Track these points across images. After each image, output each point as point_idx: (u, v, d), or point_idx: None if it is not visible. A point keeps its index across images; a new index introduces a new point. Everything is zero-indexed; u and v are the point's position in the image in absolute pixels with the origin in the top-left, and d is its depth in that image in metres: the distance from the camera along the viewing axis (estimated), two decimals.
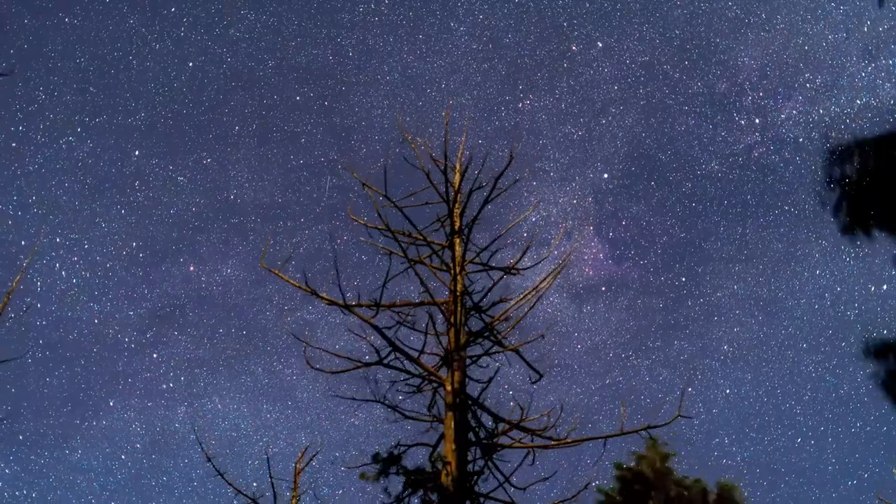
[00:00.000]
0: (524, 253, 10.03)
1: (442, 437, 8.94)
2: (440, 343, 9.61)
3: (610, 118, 26.92)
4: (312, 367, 8.96)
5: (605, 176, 27.54)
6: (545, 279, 9.83)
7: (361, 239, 10.21)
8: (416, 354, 9.36)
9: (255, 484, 8.71)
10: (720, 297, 26.45)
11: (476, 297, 9.95)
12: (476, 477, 8.97)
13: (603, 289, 27.32)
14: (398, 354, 9.18)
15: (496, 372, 9.43)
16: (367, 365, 9.09)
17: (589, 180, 27.52)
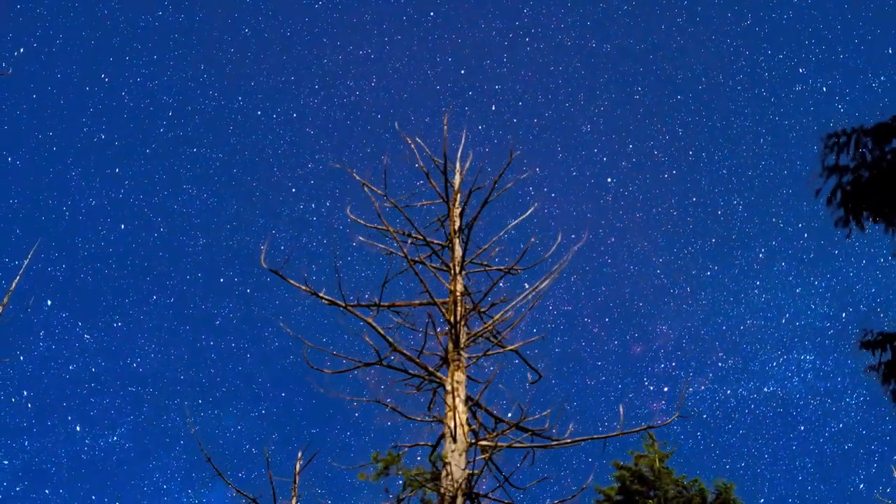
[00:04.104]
0: (524, 253, 10.06)
1: (442, 437, 8.95)
2: (440, 343, 9.62)
3: None
4: (312, 367, 8.97)
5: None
6: (545, 279, 9.84)
7: (361, 238, 10.23)
8: (415, 354, 9.36)
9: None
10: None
11: (476, 297, 9.97)
12: (476, 477, 8.97)
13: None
14: (398, 354, 9.19)
15: (496, 372, 9.44)
16: (367, 365, 9.09)
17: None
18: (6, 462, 23.98)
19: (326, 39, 28.18)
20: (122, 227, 25.94)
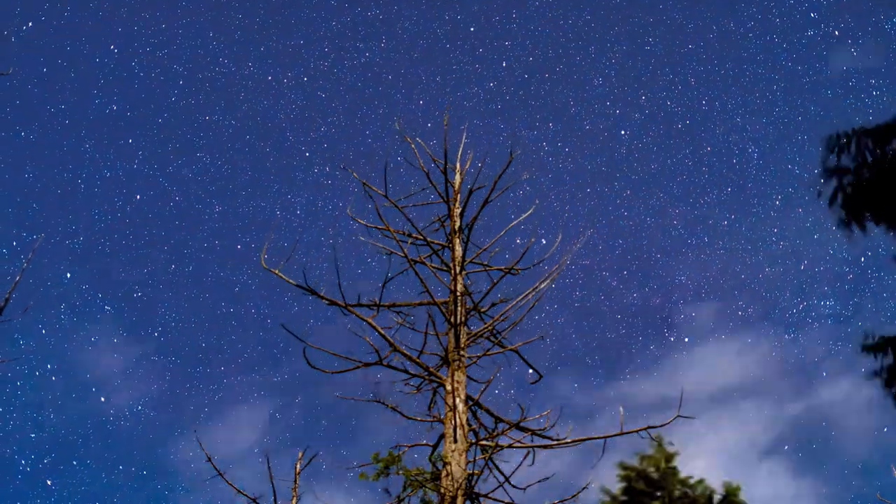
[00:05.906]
0: (524, 253, 10.03)
1: (442, 436, 8.95)
2: (440, 343, 9.62)
3: None
4: (312, 367, 8.99)
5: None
6: (545, 279, 9.81)
7: (361, 238, 10.25)
8: (416, 354, 9.37)
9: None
10: None
11: (476, 297, 9.96)
12: (476, 477, 8.97)
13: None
14: (398, 354, 9.20)
15: (496, 372, 9.43)
16: (367, 365, 9.10)
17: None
18: (33, 435, 24.24)
19: (334, 2, 28.23)
20: (138, 197, 26.19)
